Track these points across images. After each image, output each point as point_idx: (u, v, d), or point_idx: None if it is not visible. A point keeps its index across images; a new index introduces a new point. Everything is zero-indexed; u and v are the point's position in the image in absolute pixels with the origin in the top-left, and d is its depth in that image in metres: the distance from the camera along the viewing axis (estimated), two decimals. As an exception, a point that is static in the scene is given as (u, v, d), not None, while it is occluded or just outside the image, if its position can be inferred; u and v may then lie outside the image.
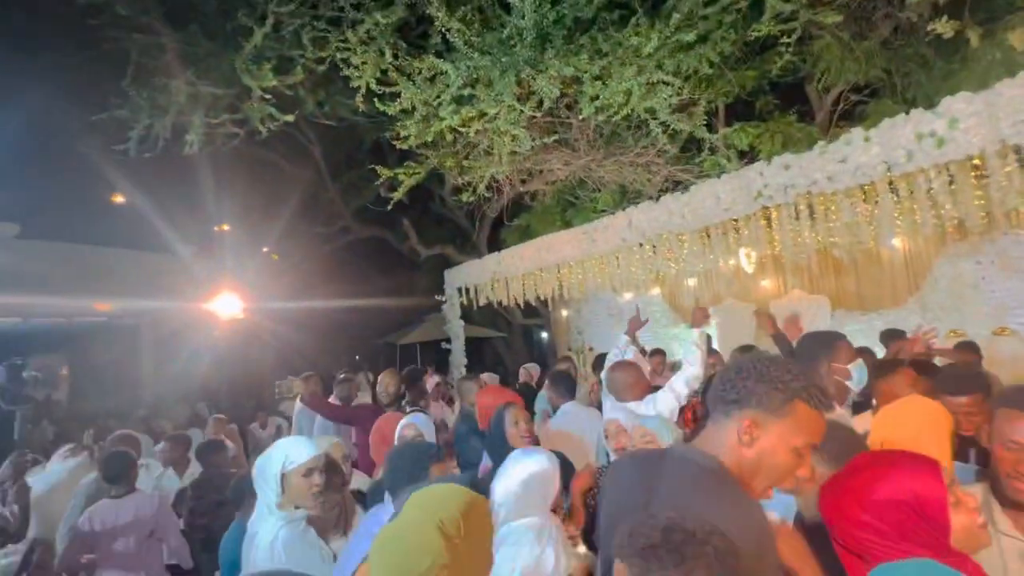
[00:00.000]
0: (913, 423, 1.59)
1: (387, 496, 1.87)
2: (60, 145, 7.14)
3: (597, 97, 4.18)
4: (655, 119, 4.47)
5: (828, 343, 2.31)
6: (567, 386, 3.67)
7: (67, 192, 8.43)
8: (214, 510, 3.12)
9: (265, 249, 11.76)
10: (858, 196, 4.03)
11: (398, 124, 5.01)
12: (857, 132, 3.77)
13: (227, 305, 8.08)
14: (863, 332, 5.84)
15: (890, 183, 3.84)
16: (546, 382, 3.72)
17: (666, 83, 4.19)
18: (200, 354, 9.47)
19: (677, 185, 5.82)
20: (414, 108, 4.62)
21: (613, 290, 8.38)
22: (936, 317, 6.21)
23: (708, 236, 5.08)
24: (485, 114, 4.57)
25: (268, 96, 4.95)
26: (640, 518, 0.96)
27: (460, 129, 4.72)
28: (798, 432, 1.11)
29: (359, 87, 4.61)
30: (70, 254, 7.78)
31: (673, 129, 4.79)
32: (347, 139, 9.20)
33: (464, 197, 6.10)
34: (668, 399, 2.95)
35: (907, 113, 3.51)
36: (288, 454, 1.99)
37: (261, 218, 10.19)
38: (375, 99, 4.68)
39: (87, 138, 6.28)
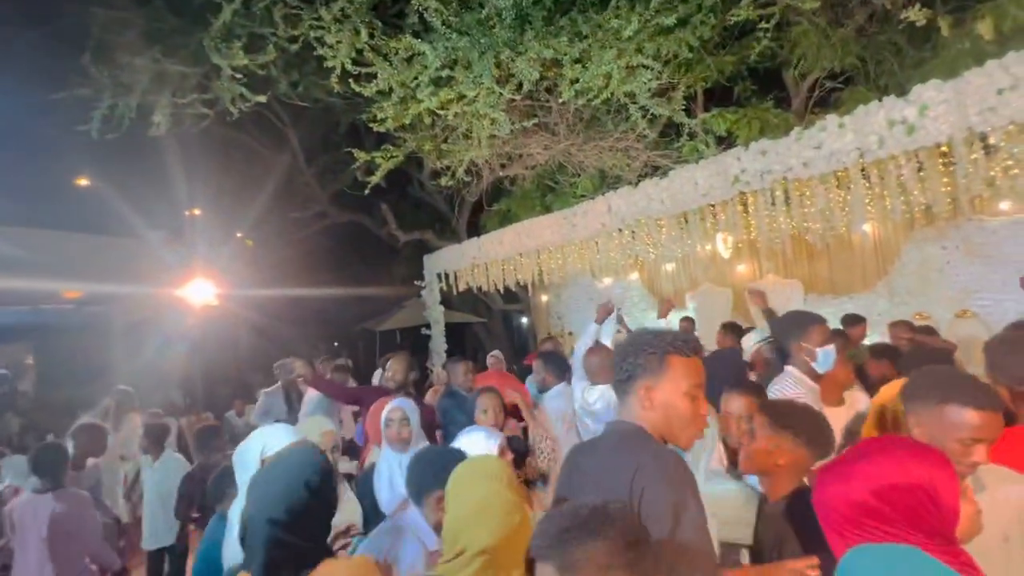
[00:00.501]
0: None
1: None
2: (19, 125, 6.82)
3: (577, 80, 4.15)
4: (635, 103, 4.46)
5: (803, 323, 2.38)
6: (560, 365, 3.65)
7: (28, 175, 8.08)
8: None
9: (239, 234, 11.49)
10: (832, 182, 4.11)
11: (375, 106, 4.89)
12: (832, 119, 3.82)
13: (200, 292, 7.90)
14: (835, 315, 5.96)
15: (862, 169, 3.92)
16: (537, 362, 3.73)
17: (646, 67, 4.18)
18: (173, 342, 9.26)
19: (656, 170, 5.84)
20: (391, 90, 4.52)
21: (592, 275, 8.44)
22: (903, 301, 6.42)
23: (686, 221, 5.14)
24: (464, 96, 4.49)
25: (239, 75, 4.78)
26: (548, 514, 1.02)
27: (438, 112, 4.64)
28: (682, 379, 1.29)
29: (334, 67, 4.48)
30: (34, 240, 7.48)
31: (652, 114, 4.79)
32: (323, 121, 8.98)
33: (443, 181, 6.02)
34: None
35: (880, 100, 3.57)
36: (267, 442, 1.95)
37: (234, 202, 9.92)
38: (350, 80, 4.57)
39: (48, 118, 6.00)
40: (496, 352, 6.13)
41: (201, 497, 3.25)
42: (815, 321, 2.39)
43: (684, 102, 5.07)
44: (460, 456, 1.63)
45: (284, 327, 11.14)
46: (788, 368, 2.36)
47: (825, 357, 2.30)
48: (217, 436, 3.71)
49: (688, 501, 1.15)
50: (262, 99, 5.05)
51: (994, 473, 1.41)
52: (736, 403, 2.08)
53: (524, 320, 12.73)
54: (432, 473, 1.65)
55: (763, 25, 4.62)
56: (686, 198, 4.76)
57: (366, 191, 5.97)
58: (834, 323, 4.46)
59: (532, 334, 11.44)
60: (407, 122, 4.82)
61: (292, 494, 1.34)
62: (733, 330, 4.85)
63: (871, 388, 2.69)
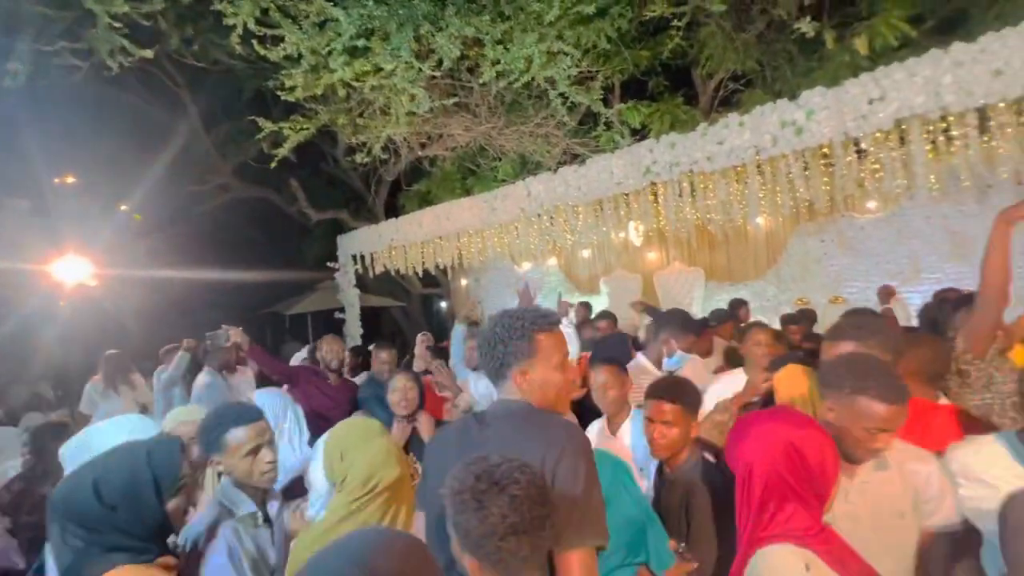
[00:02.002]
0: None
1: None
2: None
3: (498, 62, 4.11)
4: (554, 89, 4.50)
5: (684, 327, 2.61)
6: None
7: None
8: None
9: (124, 207, 10.30)
10: (731, 176, 4.43)
11: (282, 73, 4.55)
12: (733, 117, 4.10)
13: (73, 269, 6.99)
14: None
15: (758, 166, 4.26)
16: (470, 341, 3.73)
17: (566, 53, 4.23)
18: (41, 326, 8.15)
19: (575, 158, 5.97)
20: (300, 56, 4.21)
21: (512, 260, 8.52)
22: (787, 287, 7.11)
23: (601, 208, 5.31)
24: (381, 69, 4.30)
25: (119, 25, 4.22)
26: (457, 467, 1.05)
27: (353, 84, 4.41)
28: (551, 355, 1.33)
29: (234, 26, 4.09)
30: None
31: (572, 101, 4.88)
32: (224, 86, 8.22)
33: (358, 158, 5.75)
34: None
35: (774, 102, 3.89)
36: (131, 437, 1.77)
37: (116, 171, 8.85)
38: (254, 42, 4.20)
39: None
40: (426, 333, 6.01)
41: (13, 511, 2.83)
42: (694, 331, 2.64)
43: (602, 92, 5.20)
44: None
45: (178, 310, 10.20)
46: (639, 356, 2.58)
47: (674, 362, 2.52)
48: (60, 437, 3.08)
49: (594, 470, 1.22)
50: (148, 54, 4.51)
51: (900, 451, 1.49)
52: (601, 375, 2.38)
53: (443, 304, 12.61)
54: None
55: (675, 23, 4.84)
56: (602, 186, 4.92)
57: (272, 163, 5.55)
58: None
59: (451, 318, 11.38)
60: (318, 92, 4.53)
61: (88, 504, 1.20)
62: (609, 316, 5.22)
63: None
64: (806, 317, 4.90)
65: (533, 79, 4.28)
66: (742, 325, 4.41)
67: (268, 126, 4.91)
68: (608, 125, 5.45)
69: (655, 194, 5.03)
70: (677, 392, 1.81)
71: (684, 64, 6.70)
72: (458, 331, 4.35)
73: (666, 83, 6.72)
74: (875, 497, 1.45)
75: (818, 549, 1.18)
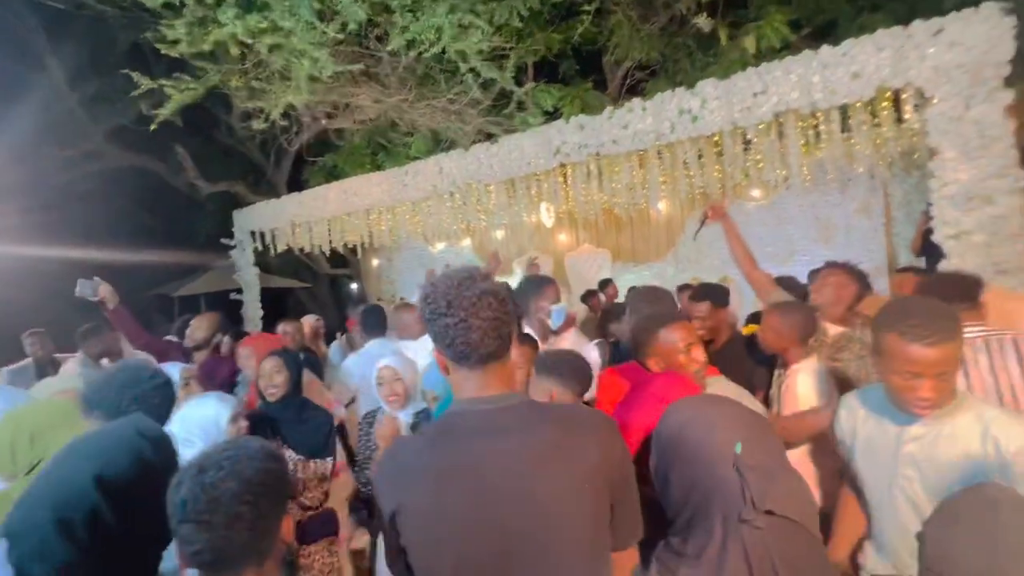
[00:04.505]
0: None
1: None
2: None
3: (408, 29, 3.97)
4: (466, 63, 4.44)
5: (538, 284, 2.71)
6: (375, 320, 3.55)
7: None
8: None
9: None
10: (635, 160, 4.66)
11: (163, 23, 4.07)
12: (637, 102, 4.30)
13: None
14: (636, 281, 6.91)
15: (659, 152, 4.52)
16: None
17: (478, 27, 4.18)
18: None
19: (489, 137, 5.96)
20: (183, 4, 3.79)
21: (425, 240, 8.38)
22: (685, 268, 7.65)
23: (514, 188, 5.37)
24: (280, 29, 3.98)
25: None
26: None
27: (247, 41, 4.05)
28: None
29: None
30: None
31: (485, 78, 4.84)
32: (92, 34, 7.20)
33: (255, 125, 5.31)
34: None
35: (674, 91, 4.12)
36: None
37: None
38: (127, -17, 3.72)
39: None
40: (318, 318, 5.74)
41: None
42: (546, 282, 2.70)
43: (514, 71, 5.22)
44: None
45: (41, 292, 8.93)
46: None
47: (558, 314, 2.60)
48: None
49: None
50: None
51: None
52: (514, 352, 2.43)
53: (354, 286, 12.15)
54: None
55: (585, 8, 4.95)
56: (513, 165, 4.96)
57: (152, 126, 4.97)
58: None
59: (363, 300, 10.99)
60: (207, 49, 4.11)
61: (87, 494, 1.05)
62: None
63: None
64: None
65: (444, 51, 4.19)
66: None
67: (146, 82, 4.38)
68: (521, 106, 5.49)
69: (564, 176, 5.17)
70: None
71: (595, 51, 6.89)
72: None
73: (577, 67, 6.88)
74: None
75: None
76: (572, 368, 1.84)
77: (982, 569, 0.78)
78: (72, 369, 3.83)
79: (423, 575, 1.02)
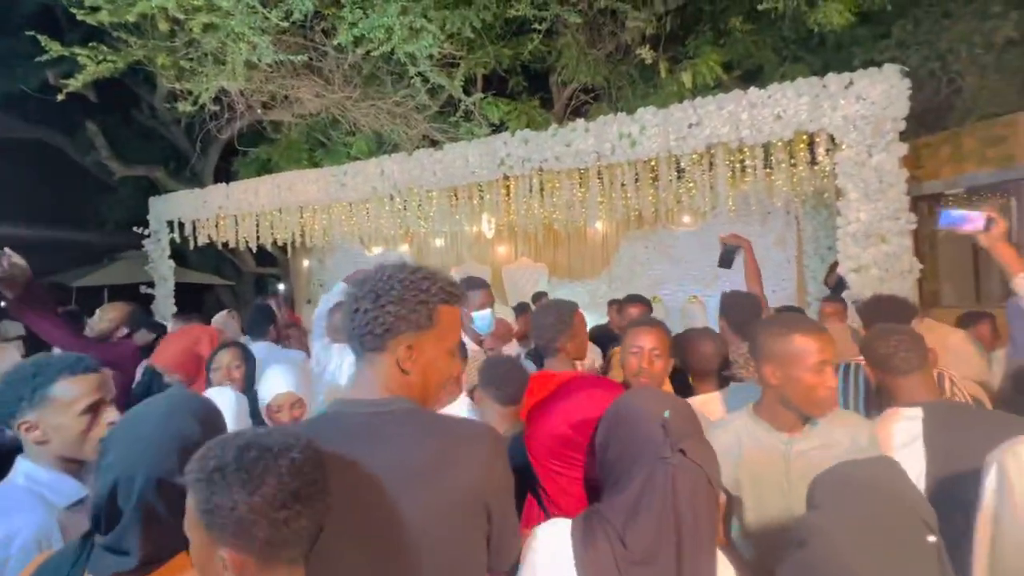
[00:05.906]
0: None
1: None
2: None
3: (356, 25, 3.88)
4: (414, 67, 4.40)
5: (466, 287, 2.71)
6: (262, 320, 3.33)
7: None
8: None
9: None
10: (576, 178, 4.79)
11: (81, -14, 3.74)
12: (580, 123, 4.44)
13: None
14: (570, 297, 7.05)
15: (599, 173, 4.67)
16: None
17: (429, 31, 4.15)
18: None
19: (433, 144, 5.91)
20: (108, -31, 3.50)
21: (361, 242, 8.15)
22: (618, 287, 7.90)
23: (456, 197, 5.35)
24: (217, 8, 3.76)
25: None
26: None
27: (178, 16, 3.78)
28: (448, 334, 1.08)
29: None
30: None
31: (433, 84, 4.81)
32: (-7, -9, 6.49)
33: (181, 107, 4.96)
34: None
35: (615, 115, 4.30)
36: None
37: None
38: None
39: None
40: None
41: None
42: (475, 287, 2.65)
43: (463, 80, 5.23)
44: None
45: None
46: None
47: (481, 320, 2.57)
48: None
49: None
50: None
51: None
52: None
53: (281, 287, 11.55)
54: None
55: (536, 26, 5.06)
56: (457, 173, 4.95)
57: (60, 96, 4.50)
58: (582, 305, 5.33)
59: (290, 301, 10.46)
60: (131, 20, 3.80)
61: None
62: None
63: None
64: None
65: (393, 52, 4.13)
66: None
67: (56, 48, 3.98)
68: (468, 116, 5.50)
69: (507, 188, 5.23)
70: None
71: (543, 70, 7.05)
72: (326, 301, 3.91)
73: (525, 84, 7.01)
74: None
75: None
76: (495, 376, 1.82)
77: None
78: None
79: None
